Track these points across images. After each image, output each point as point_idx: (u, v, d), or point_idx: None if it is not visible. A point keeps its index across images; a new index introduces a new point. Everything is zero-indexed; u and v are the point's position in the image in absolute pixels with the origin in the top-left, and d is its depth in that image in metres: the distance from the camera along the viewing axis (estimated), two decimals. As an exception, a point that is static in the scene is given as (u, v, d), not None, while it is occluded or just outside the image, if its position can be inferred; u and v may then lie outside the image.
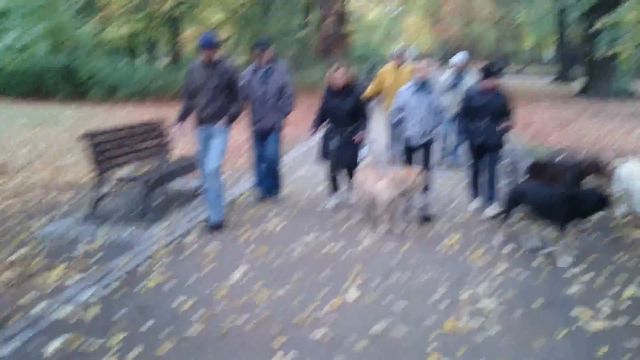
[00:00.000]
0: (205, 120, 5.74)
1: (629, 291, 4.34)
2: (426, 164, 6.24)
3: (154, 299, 4.16)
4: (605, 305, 4.12)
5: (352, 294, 4.29)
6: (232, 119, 5.76)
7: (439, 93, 6.19)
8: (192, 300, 4.13)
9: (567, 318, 3.94)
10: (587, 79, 23.67)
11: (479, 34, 49.30)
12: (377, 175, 5.84)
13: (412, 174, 5.58)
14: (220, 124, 5.67)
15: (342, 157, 6.42)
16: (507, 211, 5.41)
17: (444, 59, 38.65)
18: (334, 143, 6.40)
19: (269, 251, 5.18)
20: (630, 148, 10.53)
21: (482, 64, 6.61)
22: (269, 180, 6.85)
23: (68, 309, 3.93)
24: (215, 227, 5.70)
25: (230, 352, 3.45)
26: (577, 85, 25.93)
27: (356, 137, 6.33)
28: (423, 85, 6.07)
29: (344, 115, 6.31)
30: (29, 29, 16.24)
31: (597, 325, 3.83)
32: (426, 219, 6.13)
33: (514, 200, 5.35)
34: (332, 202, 6.71)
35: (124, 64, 20.46)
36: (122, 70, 19.32)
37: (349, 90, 6.30)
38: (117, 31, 21.76)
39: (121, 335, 3.59)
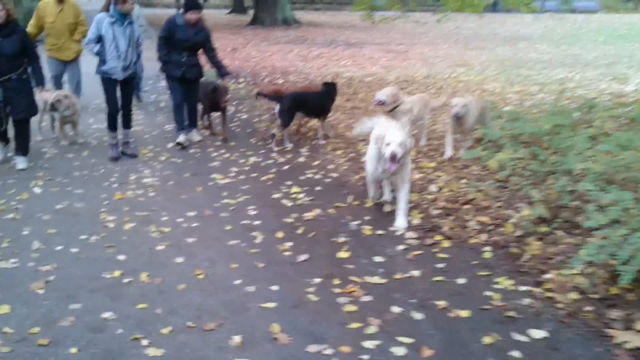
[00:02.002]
0: None
1: (252, 160, 6.18)
2: (128, 100, 6.31)
3: None
4: (233, 171, 5.87)
5: (38, 189, 5.27)
6: None
7: (138, 26, 6.25)
8: None
9: (206, 180, 5.58)
10: (255, 10, 26.39)
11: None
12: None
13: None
14: None
15: (15, 108, 5.73)
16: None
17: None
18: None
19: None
20: (286, 65, 13.01)
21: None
22: None
23: None
24: None
25: None
26: (248, 16, 28.52)
27: (37, 88, 5.95)
28: (123, 17, 5.87)
29: (7, 59, 5.54)
30: None
31: (224, 181, 5.54)
32: (132, 156, 6.29)
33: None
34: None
35: None
36: None
37: (12, 27, 5.58)
38: None
39: None
